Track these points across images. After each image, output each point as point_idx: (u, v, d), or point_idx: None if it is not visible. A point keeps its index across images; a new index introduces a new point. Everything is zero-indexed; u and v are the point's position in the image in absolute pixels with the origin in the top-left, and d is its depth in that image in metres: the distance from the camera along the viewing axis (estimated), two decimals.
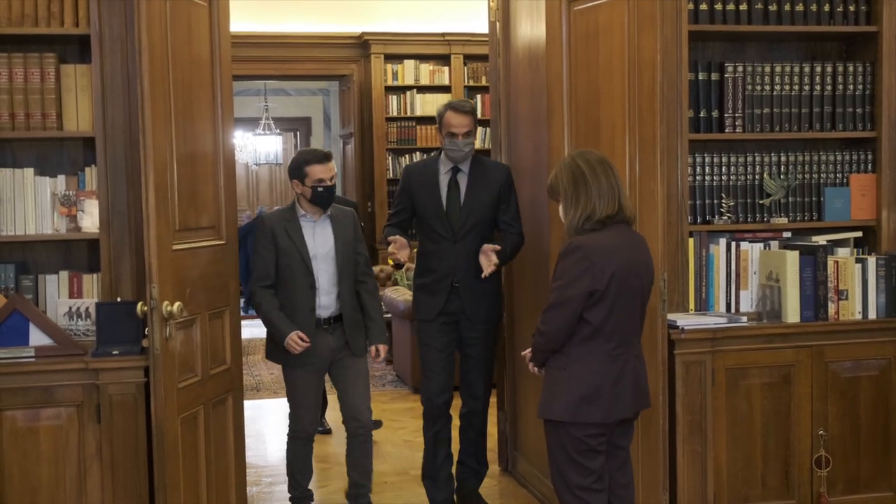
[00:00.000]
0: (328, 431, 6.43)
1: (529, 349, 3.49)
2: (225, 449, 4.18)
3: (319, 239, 4.44)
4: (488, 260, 4.47)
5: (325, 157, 4.40)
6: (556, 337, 3.28)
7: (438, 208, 4.66)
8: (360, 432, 4.60)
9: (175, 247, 3.76)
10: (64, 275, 4.03)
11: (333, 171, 4.43)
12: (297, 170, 4.40)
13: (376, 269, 9.00)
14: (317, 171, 4.35)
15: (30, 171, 3.97)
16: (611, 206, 3.30)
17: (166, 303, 3.61)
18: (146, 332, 3.66)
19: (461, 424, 4.89)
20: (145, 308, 3.61)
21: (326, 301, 4.44)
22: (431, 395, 4.73)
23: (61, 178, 4.00)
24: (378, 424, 6.29)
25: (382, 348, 4.59)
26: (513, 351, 5.29)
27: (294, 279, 4.38)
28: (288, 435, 4.64)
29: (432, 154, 4.92)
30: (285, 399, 4.71)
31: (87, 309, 3.98)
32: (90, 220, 3.98)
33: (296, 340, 4.29)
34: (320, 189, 4.36)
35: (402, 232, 4.69)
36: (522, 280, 5.11)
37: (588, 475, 3.28)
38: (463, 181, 4.67)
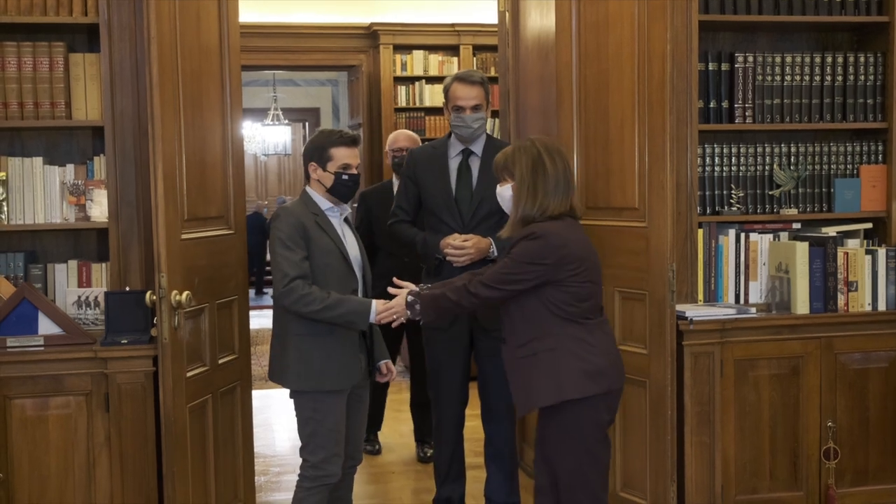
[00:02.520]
0: (378, 452, 5.82)
1: (402, 301, 3.42)
2: (233, 438, 4.19)
3: (349, 239, 3.75)
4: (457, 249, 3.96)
5: (352, 141, 3.67)
6: (482, 309, 3.44)
7: (447, 196, 4.19)
8: (351, 472, 3.91)
9: (184, 236, 3.76)
10: (73, 264, 4.04)
11: (359, 159, 3.75)
12: (318, 151, 3.67)
13: None
14: (343, 155, 3.64)
15: (39, 160, 3.98)
16: (564, 204, 3.28)
17: (175, 292, 3.61)
18: (155, 322, 3.66)
19: (487, 453, 4.35)
20: (154, 297, 3.61)
21: None
22: (441, 416, 4.32)
23: (70, 168, 4.01)
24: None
25: (391, 364, 3.90)
26: None
27: (335, 284, 3.59)
28: (307, 487, 3.64)
29: (441, 137, 4.36)
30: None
31: (96, 298, 3.99)
32: (99, 209, 3.98)
33: (398, 303, 3.50)
34: (345, 177, 3.64)
35: (414, 226, 4.31)
36: None
37: (604, 471, 3.29)
38: (475, 164, 4.20)
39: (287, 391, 3.70)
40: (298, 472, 3.69)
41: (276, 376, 3.68)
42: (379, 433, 5.95)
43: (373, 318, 3.53)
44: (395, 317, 3.48)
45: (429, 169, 4.25)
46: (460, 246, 4.07)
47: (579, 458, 3.26)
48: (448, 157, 4.24)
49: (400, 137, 5.60)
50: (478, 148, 4.23)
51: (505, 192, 3.36)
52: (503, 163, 3.35)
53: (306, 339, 3.60)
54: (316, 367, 3.59)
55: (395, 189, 5.43)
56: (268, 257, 12.97)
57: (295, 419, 3.70)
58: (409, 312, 3.42)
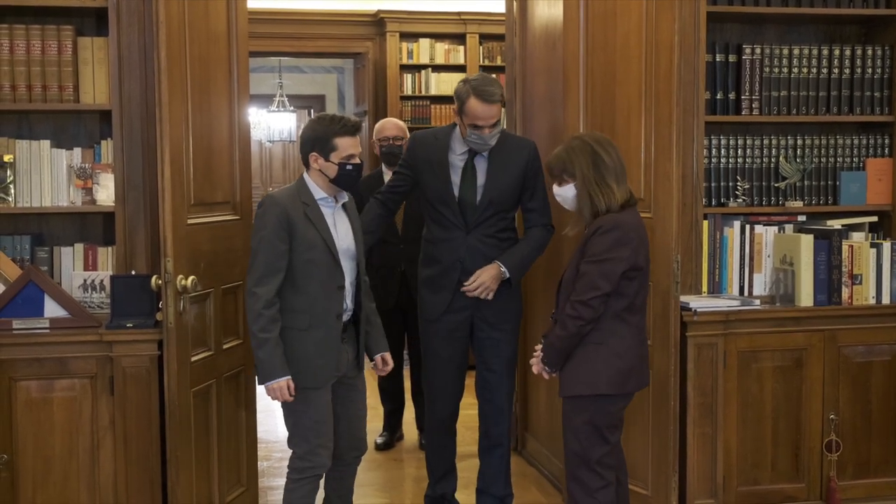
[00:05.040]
0: (401, 438, 5.79)
1: (538, 359, 3.48)
2: (236, 423, 4.20)
3: (341, 229, 3.63)
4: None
5: (355, 129, 3.55)
6: (595, 313, 3.28)
7: (448, 194, 4.04)
8: (356, 462, 3.89)
9: (190, 221, 3.77)
10: (79, 247, 4.05)
11: (360, 146, 3.64)
12: (320, 141, 3.54)
13: None
14: (347, 145, 3.52)
15: (46, 144, 3.99)
16: (625, 190, 3.40)
17: (180, 277, 3.62)
18: (160, 306, 3.67)
19: (482, 445, 4.28)
20: (160, 281, 3.62)
21: (348, 304, 3.66)
22: (435, 410, 4.25)
23: (77, 151, 4.01)
24: None
25: (388, 357, 3.89)
26: (523, 332, 5.27)
27: (318, 278, 3.53)
28: (294, 478, 3.61)
29: (445, 126, 4.22)
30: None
31: (102, 281, 4.00)
32: (105, 193, 3.99)
33: (286, 389, 3.48)
34: (349, 167, 3.53)
35: (385, 210, 4.21)
36: (535, 265, 5.07)
37: (608, 450, 3.37)
38: (481, 164, 4.05)
39: None
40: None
41: None
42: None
43: (266, 385, 3.47)
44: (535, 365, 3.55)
45: (428, 161, 4.10)
46: (472, 289, 4.01)
47: (587, 440, 3.36)
48: (450, 149, 4.08)
49: (387, 126, 5.46)
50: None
51: (566, 193, 3.44)
52: (560, 165, 3.43)
53: (284, 332, 3.53)
54: (291, 362, 3.52)
55: (386, 178, 5.41)
56: None
57: None
58: (546, 369, 3.48)
